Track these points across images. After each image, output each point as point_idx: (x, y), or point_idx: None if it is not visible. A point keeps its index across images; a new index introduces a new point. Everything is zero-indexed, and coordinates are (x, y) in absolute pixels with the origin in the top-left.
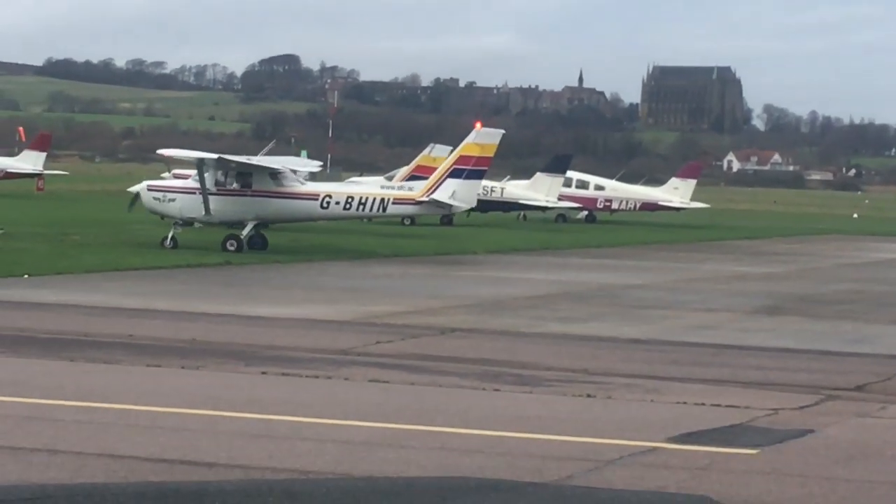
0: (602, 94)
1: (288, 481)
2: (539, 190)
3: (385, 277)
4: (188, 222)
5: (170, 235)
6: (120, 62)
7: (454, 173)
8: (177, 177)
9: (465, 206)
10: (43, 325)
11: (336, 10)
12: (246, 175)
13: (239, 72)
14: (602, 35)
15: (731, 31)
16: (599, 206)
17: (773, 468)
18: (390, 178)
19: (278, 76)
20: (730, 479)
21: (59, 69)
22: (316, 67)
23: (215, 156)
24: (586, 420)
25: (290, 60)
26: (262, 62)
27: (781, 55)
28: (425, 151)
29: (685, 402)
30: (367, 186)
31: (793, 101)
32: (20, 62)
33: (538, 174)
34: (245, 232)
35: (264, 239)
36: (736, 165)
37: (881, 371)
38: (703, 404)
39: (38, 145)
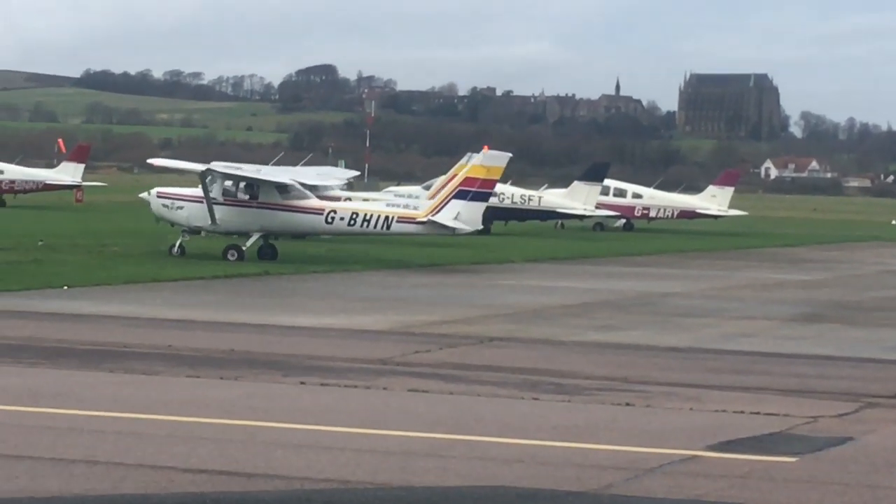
0: (639, 101)
1: (327, 491)
2: (576, 198)
3: (423, 287)
4: (195, 231)
5: (177, 243)
6: (157, 73)
7: (459, 194)
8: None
9: (469, 229)
10: (82, 337)
11: (372, 20)
12: (252, 186)
13: (276, 82)
14: (639, 43)
15: (768, 38)
16: (637, 214)
17: (812, 476)
18: (427, 188)
19: (315, 86)
20: (769, 488)
21: (97, 81)
22: (353, 77)
23: (203, 167)
24: (625, 429)
25: (327, 70)
26: (300, 72)
27: (818, 62)
28: (462, 161)
29: (724, 411)
30: (373, 204)
31: (830, 108)
32: (58, 74)
33: (575, 183)
34: (249, 243)
35: (274, 249)
36: (773, 173)
37: None
38: (742, 412)
39: (76, 157)
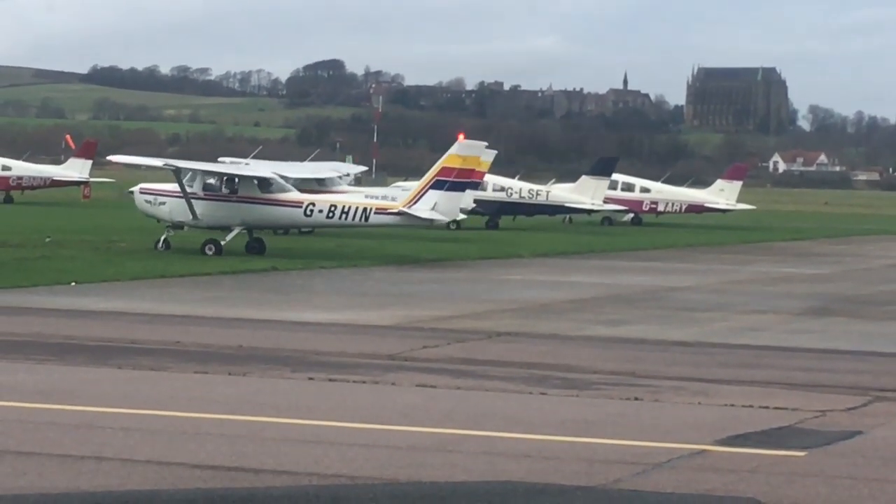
0: (647, 96)
1: (334, 487)
2: (584, 193)
3: (431, 282)
4: (178, 226)
5: (162, 238)
6: (165, 69)
7: (436, 185)
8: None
9: (446, 219)
10: (90, 333)
11: (379, 14)
12: (232, 181)
13: (283, 77)
14: (646, 37)
15: (776, 31)
16: (645, 208)
17: (821, 470)
18: None
19: (323, 81)
20: (778, 482)
21: (105, 77)
22: (360, 72)
23: (161, 162)
24: (633, 423)
25: (335, 66)
26: (307, 68)
27: (826, 55)
28: None
29: (733, 405)
30: (351, 196)
31: (838, 102)
32: (66, 70)
33: (583, 177)
34: (229, 237)
35: (261, 243)
36: (782, 166)
37: None
38: (750, 406)
39: (83, 153)
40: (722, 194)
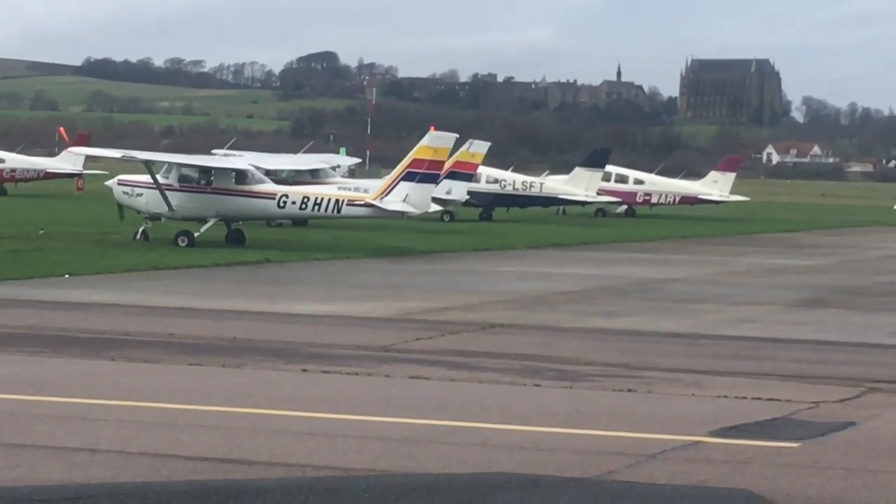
0: (640, 87)
1: (329, 479)
2: (578, 185)
3: (424, 274)
4: (155, 217)
5: (140, 230)
6: (158, 61)
7: (407, 177)
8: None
9: (418, 212)
10: (84, 325)
11: (373, 6)
12: (208, 172)
13: (277, 70)
14: (640, 29)
15: (770, 23)
16: (639, 200)
17: (814, 461)
18: None
19: (316, 74)
20: (771, 473)
21: (98, 69)
22: (354, 64)
23: (120, 153)
24: (627, 415)
25: (328, 58)
26: (300, 60)
27: (820, 47)
28: (464, 147)
29: (726, 396)
30: (324, 188)
31: (832, 93)
32: (60, 62)
33: (577, 169)
34: (203, 228)
35: (241, 234)
36: (775, 158)
37: None
38: (744, 398)
39: (77, 145)
40: (715, 186)
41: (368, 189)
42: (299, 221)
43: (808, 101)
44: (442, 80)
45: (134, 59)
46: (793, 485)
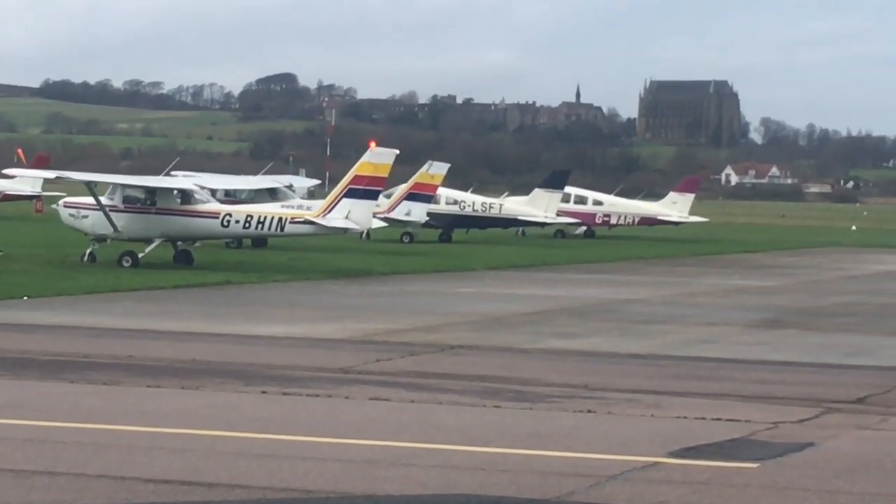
0: (599, 109)
1: (289, 501)
2: (537, 206)
3: (384, 295)
4: (101, 238)
5: (87, 251)
6: (117, 83)
7: (349, 193)
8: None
9: (360, 228)
10: (43, 347)
11: (333, 28)
12: (151, 192)
13: (236, 91)
14: (599, 50)
15: (728, 45)
16: (598, 221)
17: (773, 482)
18: (389, 196)
19: (276, 95)
20: (731, 493)
21: (57, 90)
22: (313, 86)
23: (53, 174)
24: (587, 436)
25: (288, 79)
26: (260, 81)
27: (778, 68)
28: (423, 169)
29: (686, 417)
30: (267, 206)
31: (790, 114)
32: (18, 84)
33: (536, 190)
34: (148, 249)
35: (188, 255)
36: (734, 179)
37: (881, 383)
38: (703, 418)
39: (35, 167)
40: (674, 207)
41: (311, 207)
42: (259, 243)
43: (766, 123)
44: (401, 102)
45: (93, 81)
46: None
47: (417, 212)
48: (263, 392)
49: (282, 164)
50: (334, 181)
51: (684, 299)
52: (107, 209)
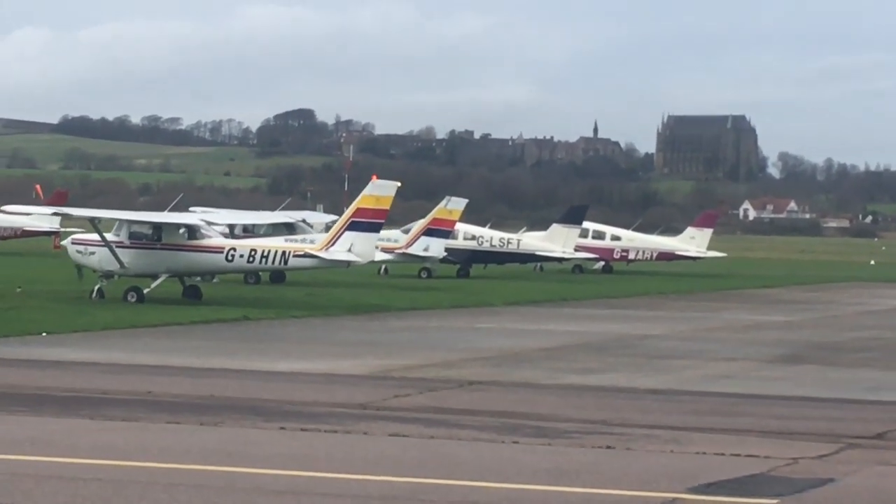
0: (617, 143)
1: None
2: (555, 241)
3: (402, 331)
4: (108, 275)
5: (95, 288)
6: (136, 119)
7: (352, 226)
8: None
9: (363, 261)
10: (61, 383)
11: (350, 63)
12: (157, 228)
13: (254, 127)
14: (616, 85)
15: (745, 79)
16: (616, 256)
17: None
18: (407, 232)
19: (293, 130)
20: None
21: (75, 126)
22: (331, 121)
23: (52, 210)
24: (606, 471)
25: (305, 115)
26: (277, 117)
27: (796, 103)
28: (441, 204)
29: (705, 453)
30: (270, 240)
31: (808, 149)
32: (36, 120)
33: (554, 225)
34: (154, 284)
35: (197, 290)
36: (752, 214)
37: None
38: (722, 454)
39: (54, 203)
40: (692, 242)
41: (315, 241)
42: (277, 278)
43: (784, 157)
44: (419, 137)
45: (111, 117)
46: None
47: (435, 247)
48: (282, 428)
49: (300, 200)
50: None
51: (703, 334)
52: (112, 245)
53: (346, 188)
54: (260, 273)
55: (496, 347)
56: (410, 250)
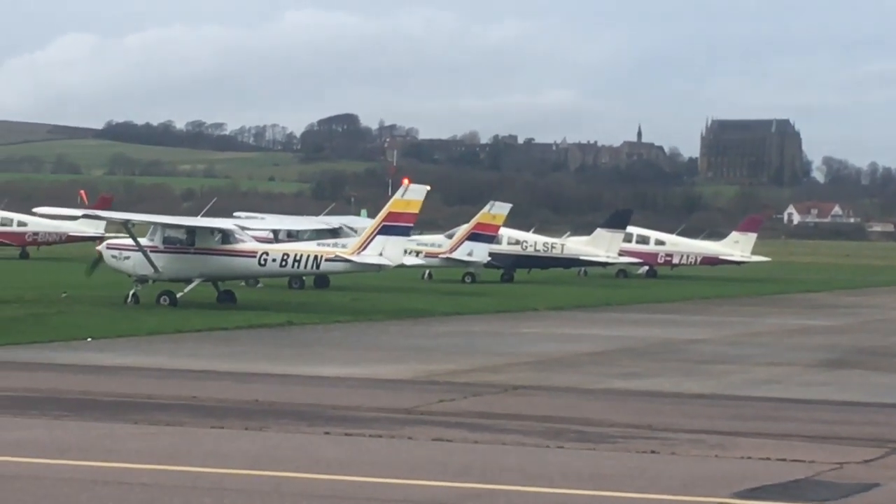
0: (661, 148)
1: None
2: (599, 246)
3: (446, 336)
4: (143, 279)
5: (130, 293)
6: (180, 124)
7: (383, 230)
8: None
9: (393, 264)
10: (106, 388)
11: (393, 69)
12: (190, 233)
13: (298, 132)
14: (660, 90)
15: (789, 83)
16: (660, 260)
17: None
18: (450, 237)
19: (337, 136)
20: None
21: (120, 132)
22: (374, 126)
23: (80, 212)
24: (651, 476)
25: (349, 120)
26: (321, 122)
27: (840, 107)
28: (485, 209)
29: (750, 458)
30: (303, 245)
31: (852, 153)
32: (81, 126)
33: (598, 230)
34: (187, 289)
35: (231, 295)
36: (796, 218)
37: None
38: (767, 459)
39: (98, 208)
40: (737, 246)
41: (346, 245)
42: (321, 283)
43: (828, 161)
44: (462, 142)
45: (155, 123)
46: None
47: (479, 252)
48: (326, 433)
49: (343, 205)
50: None
51: (747, 339)
52: (146, 250)
53: (389, 193)
54: (304, 278)
55: (540, 352)
56: (454, 255)
